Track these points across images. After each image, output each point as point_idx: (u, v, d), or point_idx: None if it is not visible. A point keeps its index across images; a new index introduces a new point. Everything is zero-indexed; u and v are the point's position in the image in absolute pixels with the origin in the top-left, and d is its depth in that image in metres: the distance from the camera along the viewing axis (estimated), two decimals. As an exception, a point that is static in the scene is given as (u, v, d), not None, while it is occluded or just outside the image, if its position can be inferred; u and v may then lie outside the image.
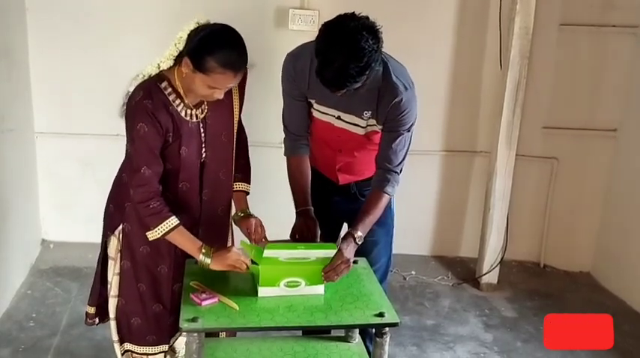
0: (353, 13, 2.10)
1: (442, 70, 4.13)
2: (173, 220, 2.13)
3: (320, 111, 2.40)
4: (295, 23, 3.86)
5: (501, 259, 4.08)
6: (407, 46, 3.93)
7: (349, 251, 2.24)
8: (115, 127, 3.94)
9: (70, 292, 3.64)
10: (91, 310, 2.52)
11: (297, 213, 2.43)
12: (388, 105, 2.28)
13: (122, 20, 3.91)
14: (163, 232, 2.13)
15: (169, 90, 2.16)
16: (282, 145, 2.56)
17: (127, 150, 2.27)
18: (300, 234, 2.36)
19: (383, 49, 2.34)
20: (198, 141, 2.25)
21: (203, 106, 2.25)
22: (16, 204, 3.64)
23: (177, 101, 2.17)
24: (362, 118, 2.35)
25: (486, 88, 4.13)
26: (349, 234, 2.29)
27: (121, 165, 2.39)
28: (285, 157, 2.52)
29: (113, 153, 3.92)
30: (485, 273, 4.07)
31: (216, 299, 2.07)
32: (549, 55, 4.04)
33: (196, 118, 2.23)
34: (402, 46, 3.96)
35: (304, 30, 3.81)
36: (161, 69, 2.18)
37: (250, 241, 2.33)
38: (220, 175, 2.35)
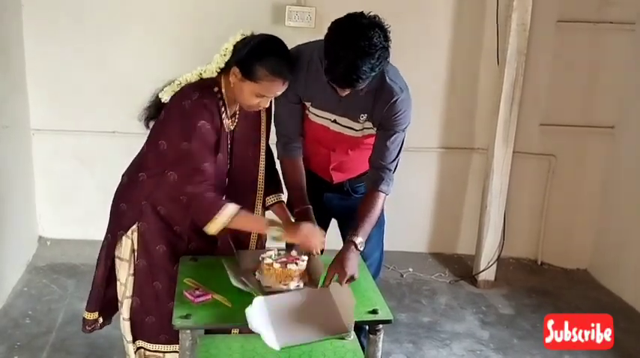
0: (362, 12, 2.10)
1: (439, 67, 4.13)
2: (232, 206, 2.12)
3: (316, 115, 2.39)
4: (292, 20, 3.85)
5: (498, 256, 4.08)
6: (404, 43, 3.91)
7: (352, 263, 2.16)
8: (112, 125, 3.99)
9: (67, 289, 3.64)
10: (90, 316, 2.48)
11: (296, 212, 2.39)
12: (384, 107, 2.27)
13: (119, 17, 3.90)
14: (225, 218, 2.11)
15: (219, 96, 2.19)
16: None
17: (153, 147, 2.24)
18: (305, 247, 2.25)
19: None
20: (225, 151, 2.27)
21: (234, 118, 2.28)
22: (12, 201, 3.63)
23: (223, 108, 2.20)
24: (358, 122, 2.35)
25: (483, 85, 4.13)
26: (350, 243, 2.23)
27: (136, 162, 2.36)
28: (279, 160, 2.51)
29: (110, 150, 3.98)
30: (483, 270, 4.07)
31: (209, 297, 2.06)
32: (546, 52, 4.03)
33: (228, 129, 2.25)
34: (399, 43, 3.97)
35: (301, 27, 3.79)
36: (202, 77, 2.21)
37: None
38: (243, 190, 2.35)
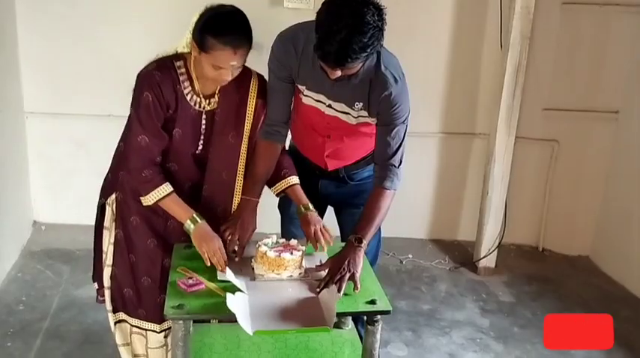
0: None
1: (441, 50, 4.05)
2: (166, 187, 2.16)
3: (311, 98, 2.32)
4: (291, 1, 3.80)
5: (499, 243, 4.03)
6: (406, 27, 3.87)
7: (355, 258, 2.11)
8: (107, 108, 3.92)
9: (61, 275, 3.60)
10: (96, 285, 2.51)
11: (241, 199, 2.30)
12: (378, 98, 2.21)
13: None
14: (156, 199, 2.16)
15: (182, 70, 2.18)
16: None
17: (128, 120, 2.25)
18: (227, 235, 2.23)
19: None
20: (195, 130, 2.24)
21: (213, 99, 2.24)
22: (6, 185, 3.59)
23: (187, 83, 2.19)
24: (353, 109, 2.28)
25: (486, 69, 4.06)
26: (350, 243, 2.16)
27: (122, 135, 2.36)
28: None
29: (105, 133, 3.86)
30: (483, 257, 4.02)
31: (202, 286, 2.02)
32: (551, 36, 3.95)
33: (200, 107, 2.22)
34: (400, 27, 3.89)
35: (300, 8, 3.74)
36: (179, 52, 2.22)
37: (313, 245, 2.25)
38: (223, 175, 2.32)
